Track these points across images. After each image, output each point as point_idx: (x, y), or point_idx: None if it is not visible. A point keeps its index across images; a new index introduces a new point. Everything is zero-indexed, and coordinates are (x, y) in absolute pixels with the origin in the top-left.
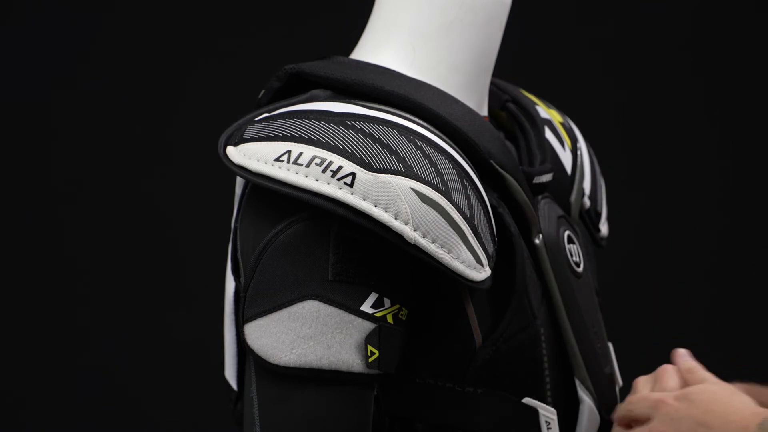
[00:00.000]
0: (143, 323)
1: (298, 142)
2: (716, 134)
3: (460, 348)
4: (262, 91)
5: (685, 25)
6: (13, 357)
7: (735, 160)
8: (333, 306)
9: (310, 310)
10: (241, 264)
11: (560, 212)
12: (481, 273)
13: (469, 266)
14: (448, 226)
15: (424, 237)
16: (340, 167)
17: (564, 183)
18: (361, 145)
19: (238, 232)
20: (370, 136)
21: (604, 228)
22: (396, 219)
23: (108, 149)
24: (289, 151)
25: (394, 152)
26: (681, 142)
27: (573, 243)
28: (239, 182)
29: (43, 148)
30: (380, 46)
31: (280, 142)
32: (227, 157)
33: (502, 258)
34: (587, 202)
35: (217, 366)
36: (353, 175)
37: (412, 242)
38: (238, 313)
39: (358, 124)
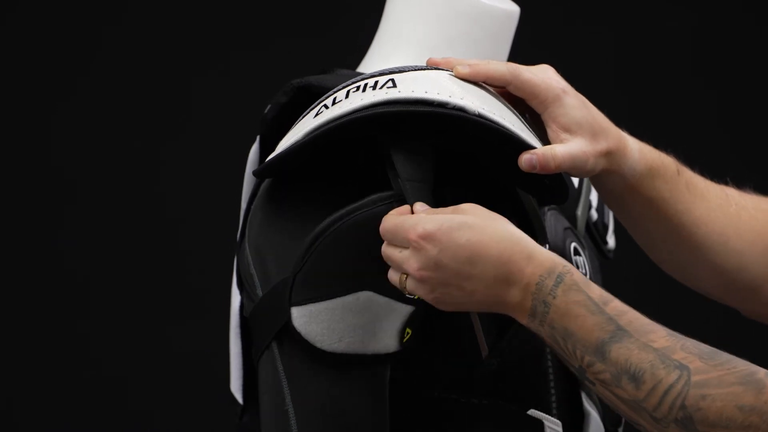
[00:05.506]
0: (148, 335)
1: (327, 99)
2: (728, 141)
3: (465, 360)
4: (268, 106)
5: (687, 29)
6: (15, 367)
7: (747, 169)
8: (385, 296)
9: (364, 300)
10: (255, 275)
11: (566, 224)
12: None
13: (534, 140)
14: (500, 103)
15: (482, 108)
16: (376, 82)
17: (570, 196)
18: (387, 70)
19: (246, 243)
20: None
21: (611, 240)
22: (451, 98)
23: (112, 156)
24: (324, 104)
25: (420, 66)
26: (689, 152)
27: (579, 255)
28: (245, 197)
29: (43, 154)
30: (387, 59)
31: (310, 113)
32: (268, 162)
33: None
34: (594, 215)
35: (224, 379)
36: (392, 80)
37: (476, 113)
38: (244, 327)
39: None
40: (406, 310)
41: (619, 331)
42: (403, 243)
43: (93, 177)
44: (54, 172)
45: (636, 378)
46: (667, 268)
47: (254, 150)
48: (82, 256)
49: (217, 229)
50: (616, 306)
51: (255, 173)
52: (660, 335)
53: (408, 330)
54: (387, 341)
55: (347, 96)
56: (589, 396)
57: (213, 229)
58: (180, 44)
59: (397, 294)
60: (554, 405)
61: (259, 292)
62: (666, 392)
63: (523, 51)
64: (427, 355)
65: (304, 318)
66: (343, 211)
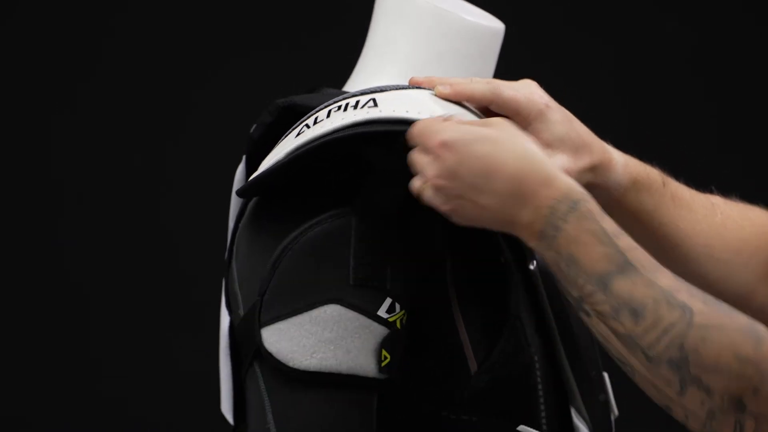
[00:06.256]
0: (149, 347)
1: (308, 119)
2: (727, 142)
3: (454, 376)
4: (254, 126)
5: (687, 29)
6: (20, 381)
7: (747, 170)
8: (353, 310)
9: (332, 314)
10: (239, 294)
11: None
12: None
13: None
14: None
15: None
16: (357, 101)
17: None
18: (369, 89)
19: (233, 262)
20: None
21: None
22: (434, 115)
23: (110, 172)
24: (306, 124)
25: (402, 86)
26: (688, 154)
27: None
28: (232, 216)
29: (43, 169)
30: (374, 76)
31: (292, 133)
32: (250, 182)
33: (495, 285)
34: None
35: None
36: (373, 99)
37: None
38: (234, 347)
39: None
40: (379, 330)
41: (627, 265)
42: (426, 148)
43: (93, 190)
44: (54, 184)
45: (636, 312)
46: None
47: (240, 169)
48: (81, 263)
49: (218, 241)
50: (628, 241)
51: (238, 193)
52: (667, 275)
53: (385, 353)
54: (362, 361)
55: (328, 115)
56: (579, 411)
57: (214, 241)
58: (178, 55)
59: (365, 310)
60: (544, 420)
61: (241, 312)
62: (665, 331)
63: (524, 58)
64: (417, 371)
65: (274, 336)
66: (300, 229)
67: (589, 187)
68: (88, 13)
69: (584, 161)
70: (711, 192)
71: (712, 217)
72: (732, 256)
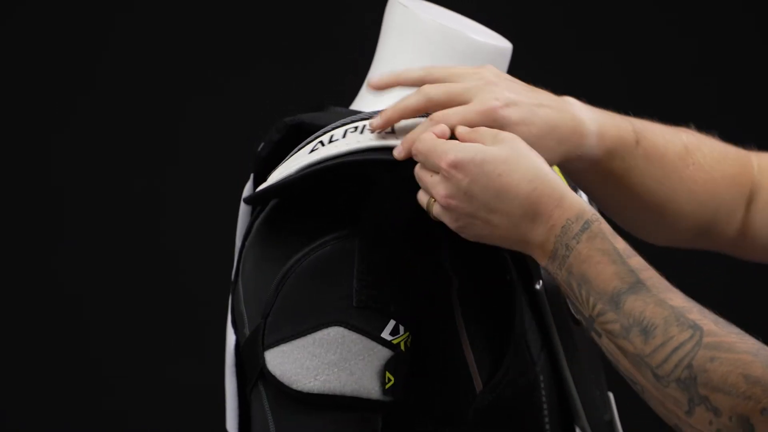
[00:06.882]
0: (151, 369)
1: (323, 135)
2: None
3: (460, 394)
4: (261, 144)
5: (688, 29)
6: (20, 394)
7: None
8: (357, 332)
9: (336, 336)
10: (244, 313)
11: None
12: None
13: None
14: None
15: None
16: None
17: None
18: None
19: (239, 280)
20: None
21: None
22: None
23: (116, 188)
24: (320, 141)
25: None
26: None
27: None
28: (239, 234)
29: (45, 188)
30: (382, 95)
31: (305, 148)
32: (258, 191)
33: (501, 304)
34: None
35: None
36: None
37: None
38: (239, 366)
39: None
40: (383, 353)
41: (638, 284)
42: (434, 167)
43: (95, 205)
44: (55, 193)
45: (647, 331)
46: (630, 230)
47: (248, 187)
48: (82, 278)
49: (221, 258)
50: (639, 261)
51: (246, 199)
52: (678, 295)
53: (389, 375)
54: (366, 383)
55: (344, 135)
56: (584, 430)
57: (217, 257)
58: (180, 69)
59: (369, 332)
60: None
61: (247, 332)
62: (675, 350)
63: (531, 74)
64: (422, 389)
65: (278, 359)
66: (302, 252)
67: (564, 160)
68: (89, 17)
69: (553, 153)
70: (689, 127)
71: (684, 169)
72: (697, 207)
